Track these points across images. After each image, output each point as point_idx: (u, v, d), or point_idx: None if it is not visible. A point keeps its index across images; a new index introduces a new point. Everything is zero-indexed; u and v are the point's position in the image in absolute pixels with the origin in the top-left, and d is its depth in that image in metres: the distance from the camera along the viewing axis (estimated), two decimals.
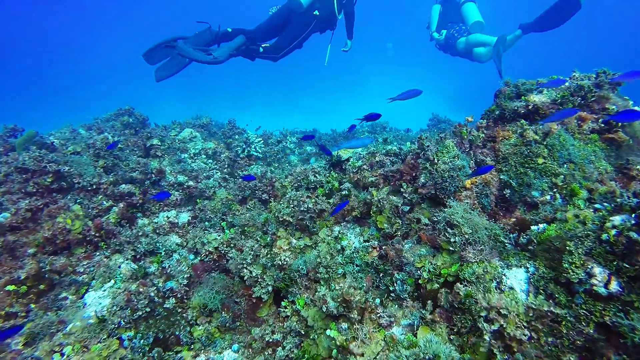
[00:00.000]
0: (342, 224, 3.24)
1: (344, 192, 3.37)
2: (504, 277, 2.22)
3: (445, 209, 2.57)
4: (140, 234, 3.83)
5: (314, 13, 5.40)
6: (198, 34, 5.27)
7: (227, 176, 5.69)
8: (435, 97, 31.33)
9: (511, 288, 2.17)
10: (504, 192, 2.81)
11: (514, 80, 3.32)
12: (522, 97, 3.08)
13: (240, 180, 5.02)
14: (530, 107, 2.99)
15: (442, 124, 9.80)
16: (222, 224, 4.17)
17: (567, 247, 2.03)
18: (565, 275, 2.01)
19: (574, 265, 1.98)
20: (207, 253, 3.28)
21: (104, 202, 4.07)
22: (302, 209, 3.30)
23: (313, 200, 3.43)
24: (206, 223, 4.19)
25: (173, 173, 5.20)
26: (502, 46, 6.52)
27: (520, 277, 2.23)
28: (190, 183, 5.02)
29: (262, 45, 5.51)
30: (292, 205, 3.34)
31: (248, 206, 4.15)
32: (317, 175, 3.99)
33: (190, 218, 4.43)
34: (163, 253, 3.63)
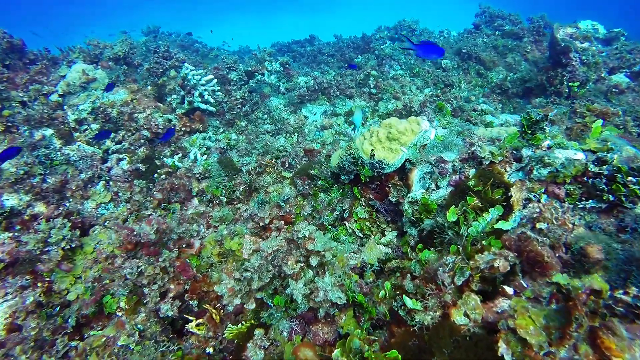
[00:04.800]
0: None
1: None
2: None
3: None
4: None
5: None
6: None
7: (141, 166, 3.02)
8: None
9: None
10: None
11: None
12: None
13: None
14: None
15: (498, 21, 6.63)
16: None
17: None
18: None
19: None
20: None
21: None
22: None
23: None
24: None
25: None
26: None
27: None
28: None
29: None
30: None
31: (130, 335, 1.73)
32: (314, 258, 1.41)
33: None
34: None
